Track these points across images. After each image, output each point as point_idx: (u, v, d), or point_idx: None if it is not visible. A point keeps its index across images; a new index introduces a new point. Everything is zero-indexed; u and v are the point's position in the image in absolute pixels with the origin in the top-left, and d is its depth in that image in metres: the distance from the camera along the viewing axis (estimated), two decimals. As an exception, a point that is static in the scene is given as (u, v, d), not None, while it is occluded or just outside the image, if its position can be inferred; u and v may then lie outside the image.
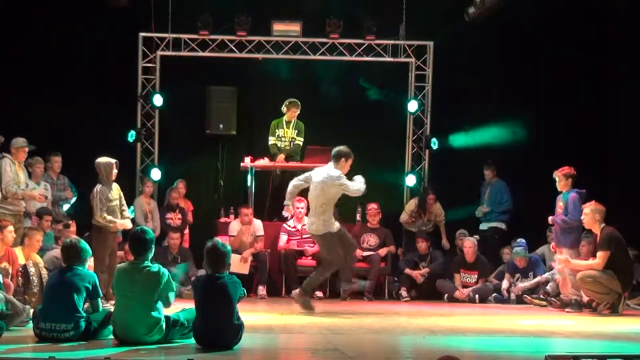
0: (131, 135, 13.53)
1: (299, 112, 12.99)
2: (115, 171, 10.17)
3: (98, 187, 10.07)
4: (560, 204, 11.00)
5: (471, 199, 13.59)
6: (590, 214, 10.63)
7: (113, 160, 10.19)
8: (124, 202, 10.42)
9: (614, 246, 10.50)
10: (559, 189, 11.11)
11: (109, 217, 9.99)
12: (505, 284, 12.09)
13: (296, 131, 13.06)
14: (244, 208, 12.36)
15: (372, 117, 13.87)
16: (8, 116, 12.16)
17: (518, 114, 13.92)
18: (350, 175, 10.07)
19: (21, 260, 9.51)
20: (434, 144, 13.94)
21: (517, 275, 12.04)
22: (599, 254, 10.51)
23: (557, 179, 11.08)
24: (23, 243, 9.93)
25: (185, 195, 13.31)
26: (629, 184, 13.23)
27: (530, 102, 13.92)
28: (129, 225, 10.27)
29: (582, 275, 10.50)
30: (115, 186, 10.26)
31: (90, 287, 7.40)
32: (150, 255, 7.30)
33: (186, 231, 12.93)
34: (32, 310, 7.83)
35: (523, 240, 12.10)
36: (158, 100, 13.57)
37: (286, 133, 13.04)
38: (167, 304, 7.26)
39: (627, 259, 10.77)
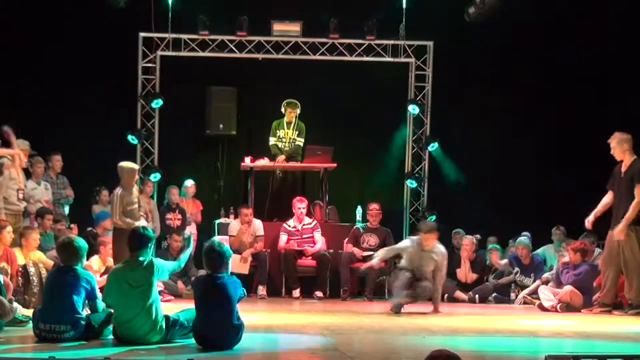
0: (132, 139, 13.53)
1: (298, 112, 12.96)
2: (136, 177, 10.24)
3: (119, 190, 10.09)
4: (572, 272, 10.71)
5: (470, 198, 13.59)
6: (618, 147, 9.89)
7: (136, 167, 10.31)
8: (142, 205, 10.58)
9: None
10: (570, 261, 10.85)
11: (128, 220, 10.00)
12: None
13: (297, 132, 13.02)
14: (244, 208, 12.34)
15: (372, 117, 13.86)
16: (7, 116, 12.14)
17: (518, 114, 13.94)
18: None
19: (21, 261, 9.50)
20: (433, 147, 13.98)
21: (517, 269, 11.98)
22: (638, 186, 9.64)
23: (569, 252, 10.80)
24: (20, 243, 9.91)
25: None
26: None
27: (530, 102, 13.94)
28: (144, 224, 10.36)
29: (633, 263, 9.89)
30: (135, 190, 10.34)
31: (89, 288, 7.37)
32: (148, 252, 7.30)
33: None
34: (31, 310, 7.81)
35: (528, 234, 12.08)
36: (157, 104, 13.64)
37: (287, 134, 13.01)
38: (165, 273, 7.37)
39: None
